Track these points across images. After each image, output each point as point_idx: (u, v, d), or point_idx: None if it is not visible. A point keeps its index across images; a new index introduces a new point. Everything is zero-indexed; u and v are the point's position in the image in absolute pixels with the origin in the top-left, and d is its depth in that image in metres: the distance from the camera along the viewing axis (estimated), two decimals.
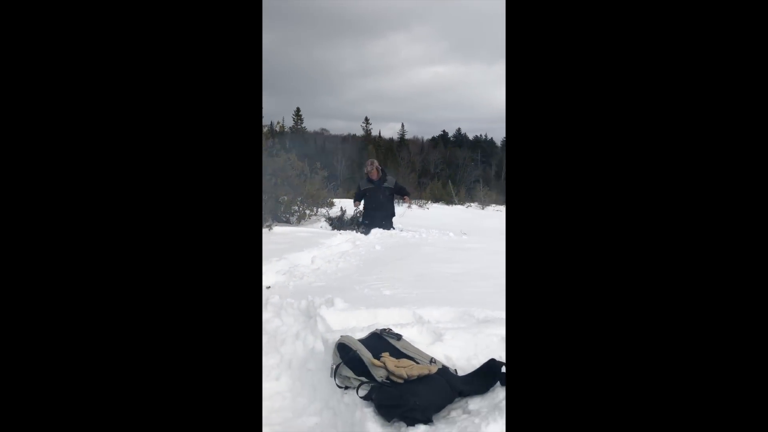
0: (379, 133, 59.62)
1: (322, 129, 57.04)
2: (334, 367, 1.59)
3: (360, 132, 58.23)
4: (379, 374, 1.46)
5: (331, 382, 1.59)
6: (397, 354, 1.56)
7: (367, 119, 59.07)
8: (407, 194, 6.34)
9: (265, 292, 2.47)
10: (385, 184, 5.87)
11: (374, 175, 5.90)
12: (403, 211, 6.96)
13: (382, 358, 1.50)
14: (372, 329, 1.74)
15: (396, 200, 6.33)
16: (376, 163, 6.07)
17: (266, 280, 2.71)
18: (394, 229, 5.71)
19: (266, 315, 2.14)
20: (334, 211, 7.04)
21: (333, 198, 8.96)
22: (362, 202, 5.98)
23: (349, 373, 1.53)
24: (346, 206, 7.10)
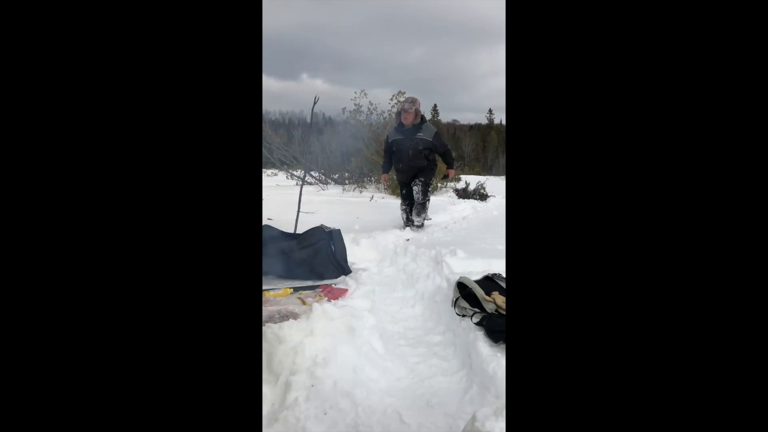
0: (501, 121, 65.29)
1: (454, 120, 67.50)
2: (455, 299, 2.11)
3: (484, 121, 68.04)
4: (489, 307, 1.92)
5: (452, 311, 2.12)
6: (505, 293, 1.95)
7: (490, 110, 68.28)
8: (451, 161, 4.07)
9: (405, 243, 3.38)
10: (419, 134, 3.77)
11: (408, 120, 3.75)
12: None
13: (492, 295, 1.98)
14: (485, 274, 2.28)
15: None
16: (418, 102, 3.78)
17: (405, 235, 3.73)
18: (424, 216, 4.05)
19: (405, 260, 3.04)
20: (460, 185, 8.90)
21: (460, 174, 11.47)
22: (389, 163, 4.06)
23: (466, 305, 2.02)
24: (470, 180, 9.35)
